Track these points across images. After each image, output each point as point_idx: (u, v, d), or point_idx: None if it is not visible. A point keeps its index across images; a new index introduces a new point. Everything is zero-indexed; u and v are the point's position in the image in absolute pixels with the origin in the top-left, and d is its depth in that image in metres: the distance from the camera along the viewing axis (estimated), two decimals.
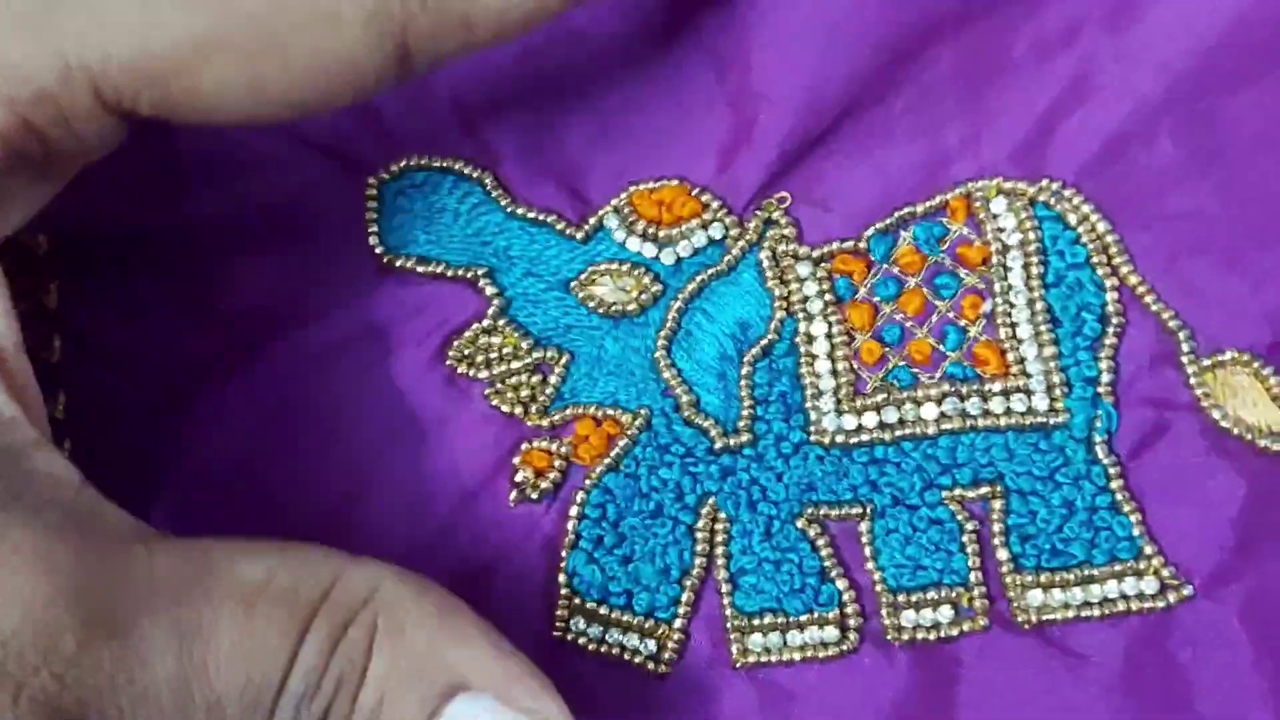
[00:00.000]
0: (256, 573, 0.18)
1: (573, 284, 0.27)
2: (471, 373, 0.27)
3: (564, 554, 0.26)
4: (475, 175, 0.27)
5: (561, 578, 0.26)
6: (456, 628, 0.19)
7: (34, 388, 0.21)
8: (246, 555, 0.18)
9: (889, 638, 0.25)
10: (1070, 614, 0.25)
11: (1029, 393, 0.25)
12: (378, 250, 0.27)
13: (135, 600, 0.17)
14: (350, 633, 0.18)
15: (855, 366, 0.26)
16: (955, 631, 0.25)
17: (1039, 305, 0.25)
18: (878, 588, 0.25)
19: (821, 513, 0.26)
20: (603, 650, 0.25)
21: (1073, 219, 0.26)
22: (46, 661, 0.16)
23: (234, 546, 0.18)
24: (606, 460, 0.26)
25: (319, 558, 0.19)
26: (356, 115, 0.28)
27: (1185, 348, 0.25)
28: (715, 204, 0.26)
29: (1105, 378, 0.25)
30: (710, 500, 0.26)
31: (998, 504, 0.25)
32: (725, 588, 0.25)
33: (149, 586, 0.17)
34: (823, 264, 0.26)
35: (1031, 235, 0.26)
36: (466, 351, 0.27)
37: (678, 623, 0.25)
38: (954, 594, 0.25)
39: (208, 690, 0.17)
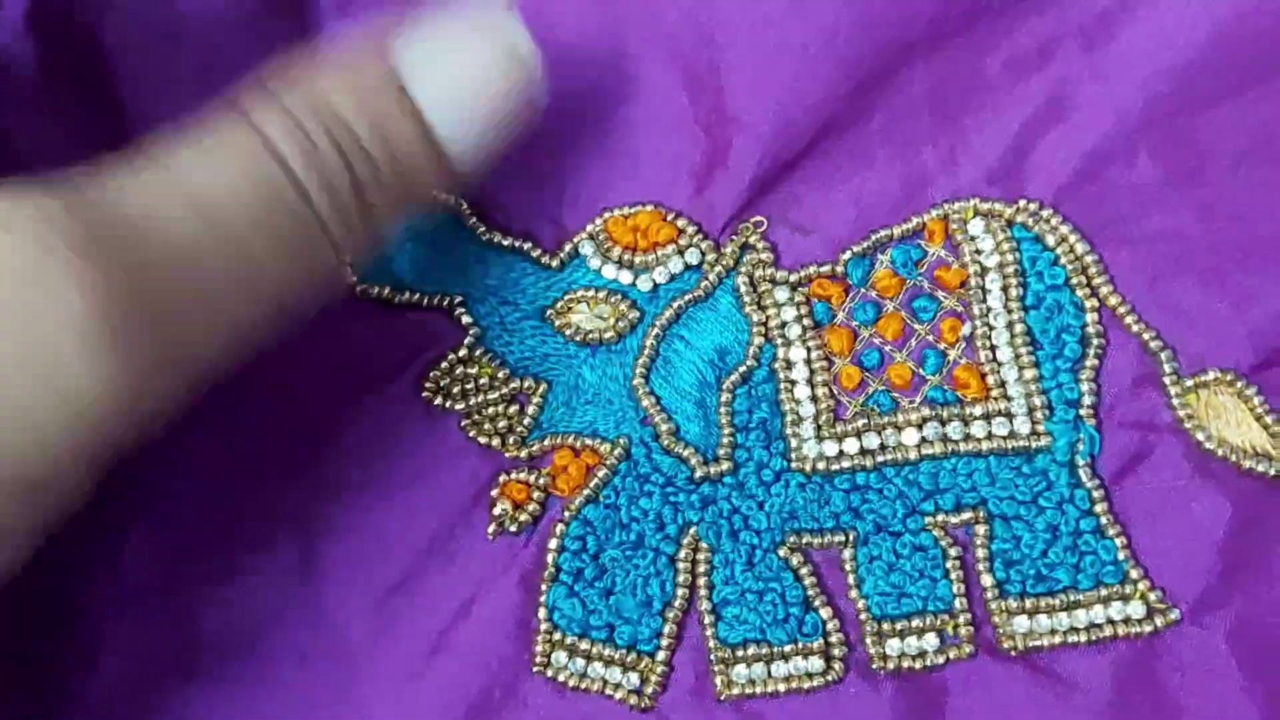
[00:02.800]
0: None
1: (549, 312, 0.26)
2: (448, 404, 0.26)
3: (543, 587, 0.25)
4: (448, 202, 0.26)
5: (541, 612, 0.25)
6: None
7: None
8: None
9: (874, 667, 0.25)
10: (1057, 640, 0.24)
11: (1010, 416, 0.25)
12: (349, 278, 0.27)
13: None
14: (287, 102, 0.18)
15: (835, 392, 0.26)
16: (941, 659, 0.24)
17: (1018, 327, 0.25)
18: (862, 616, 0.25)
19: (804, 541, 0.25)
20: (584, 685, 0.25)
21: (1051, 240, 0.25)
22: None
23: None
24: (585, 491, 0.26)
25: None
26: None
27: (1168, 368, 0.25)
28: (691, 229, 0.26)
29: (1087, 400, 0.25)
30: (692, 530, 0.25)
31: (981, 529, 0.25)
32: (708, 619, 0.25)
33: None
34: (800, 288, 0.26)
35: (1010, 257, 0.25)
36: (443, 383, 0.26)
37: (661, 655, 0.25)
38: (939, 621, 0.25)
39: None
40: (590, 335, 0.26)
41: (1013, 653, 0.24)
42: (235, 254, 0.17)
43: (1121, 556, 0.24)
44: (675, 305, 0.26)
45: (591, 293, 0.26)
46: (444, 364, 0.26)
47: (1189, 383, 0.25)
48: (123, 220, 0.17)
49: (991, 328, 0.25)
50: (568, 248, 0.26)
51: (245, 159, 0.18)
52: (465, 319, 0.26)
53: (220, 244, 0.17)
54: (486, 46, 0.21)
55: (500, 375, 0.26)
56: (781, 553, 0.25)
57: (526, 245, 0.26)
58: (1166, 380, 0.25)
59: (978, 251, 0.25)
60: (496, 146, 0.21)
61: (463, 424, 0.26)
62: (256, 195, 0.18)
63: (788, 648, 0.25)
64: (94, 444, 0.17)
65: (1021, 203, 0.25)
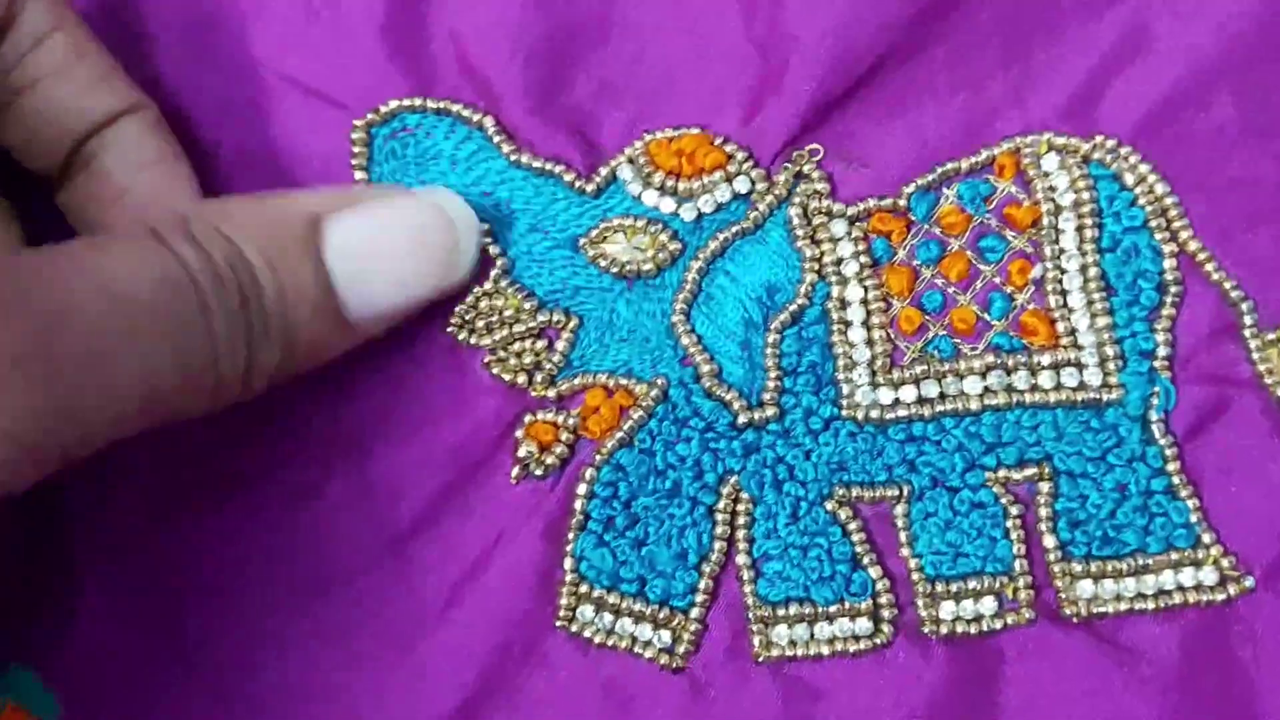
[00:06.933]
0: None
1: (582, 241, 0.24)
2: (472, 340, 0.24)
3: (571, 536, 0.24)
4: (474, 119, 0.25)
5: (568, 562, 0.23)
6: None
7: None
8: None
9: (926, 630, 0.23)
10: (1123, 607, 0.23)
11: (1080, 366, 0.23)
12: None
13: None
14: (196, 228, 0.20)
15: (892, 335, 0.24)
16: (998, 624, 0.23)
17: (1092, 271, 0.23)
18: (914, 576, 0.23)
19: (854, 494, 0.23)
20: (611, 642, 0.23)
21: (1130, 179, 0.24)
22: None
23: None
24: (619, 434, 0.24)
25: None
26: (344, 51, 0.25)
27: (1247, 320, 0.23)
28: (741, 155, 0.24)
29: (1162, 351, 0.23)
30: (732, 479, 0.24)
31: (1045, 487, 0.23)
32: (747, 574, 0.23)
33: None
34: (858, 223, 0.24)
35: (1086, 195, 0.24)
36: (466, 317, 0.24)
37: (695, 612, 0.23)
38: (997, 583, 0.23)
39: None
40: (627, 267, 0.24)
41: (1075, 619, 0.23)
42: (130, 337, 0.18)
43: (1194, 519, 0.23)
44: (721, 237, 0.24)
45: (629, 221, 0.24)
46: (469, 298, 0.24)
47: (1270, 335, 0.23)
48: (32, 283, 0.18)
49: (1063, 271, 0.23)
50: (604, 172, 0.25)
51: (156, 262, 0.19)
52: (491, 248, 0.24)
53: (119, 326, 0.18)
54: (414, 237, 0.22)
55: (528, 309, 0.24)
56: (829, 506, 0.23)
57: (559, 168, 0.24)
58: (1246, 333, 0.23)
59: (1051, 189, 0.24)
60: (403, 315, 0.23)
61: (487, 360, 0.24)
62: (160, 295, 0.19)
63: (833, 608, 0.23)
64: None
65: (1099, 138, 0.24)
